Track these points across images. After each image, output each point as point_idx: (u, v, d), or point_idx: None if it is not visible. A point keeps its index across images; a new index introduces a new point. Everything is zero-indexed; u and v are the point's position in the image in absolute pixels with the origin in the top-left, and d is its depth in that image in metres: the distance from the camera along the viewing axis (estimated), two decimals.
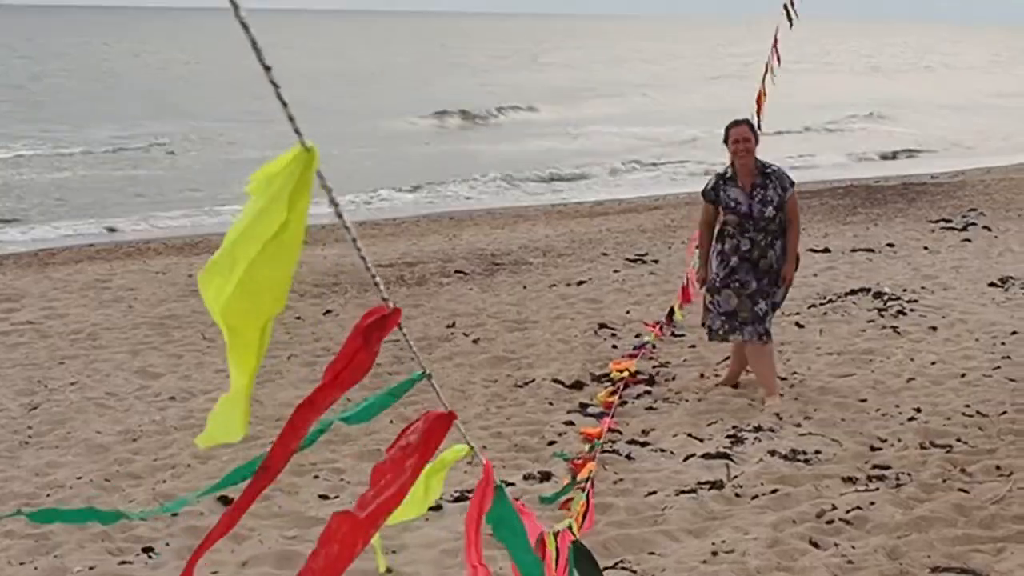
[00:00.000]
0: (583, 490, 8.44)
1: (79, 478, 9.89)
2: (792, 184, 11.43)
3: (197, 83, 76.79)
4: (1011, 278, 16.87)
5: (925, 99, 68.16)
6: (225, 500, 9.01)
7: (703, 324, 11.84)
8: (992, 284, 16.56)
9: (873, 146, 44.21)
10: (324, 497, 9.32)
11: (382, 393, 3.27)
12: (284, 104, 2.19)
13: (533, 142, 46.32)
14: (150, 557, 8.23)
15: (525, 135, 48.82)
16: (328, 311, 16.20)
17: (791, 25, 14.16)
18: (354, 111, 56.96)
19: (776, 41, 14.57)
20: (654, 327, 14.15)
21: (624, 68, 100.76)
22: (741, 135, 11.18)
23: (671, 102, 66.18)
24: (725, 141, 11.35)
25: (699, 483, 9.26)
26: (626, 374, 12.38)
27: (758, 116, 13.94)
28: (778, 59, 14.64)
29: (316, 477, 9.80)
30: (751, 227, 11.30)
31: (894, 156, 42.15)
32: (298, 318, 15.78)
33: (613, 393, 11.83)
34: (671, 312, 14.49)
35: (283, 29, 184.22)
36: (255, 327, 2.35)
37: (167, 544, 8.37)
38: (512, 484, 9.18)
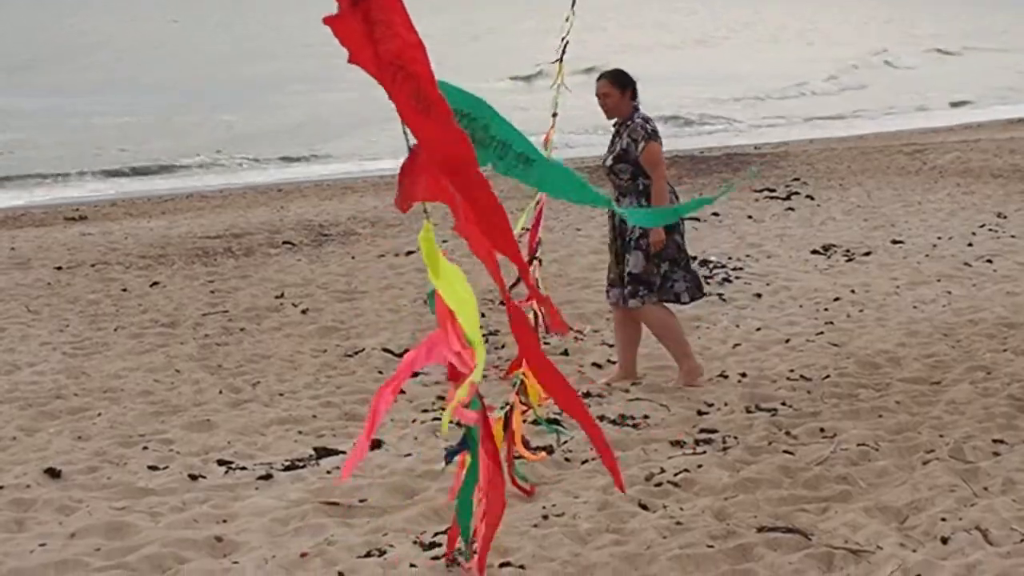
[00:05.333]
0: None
1: None
2: (647, 137, 10.71)
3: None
4: (833, 246, 17.17)
5: None
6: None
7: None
8: (815, 251, 16.85)
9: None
10: (153, 468, 9.20)
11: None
12: None
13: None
14: None
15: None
16: (155, 283, 16.00)
17: None
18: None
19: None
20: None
21: None
22: (598, 90, 10.89)
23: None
24: None
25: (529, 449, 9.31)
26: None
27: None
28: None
29: (145, 448, 9.69)
30: (606, 178, 11.15)
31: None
32: (124, 290, 15.59)
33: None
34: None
35: None
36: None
37: None
38: (344, 452, 9.16)
